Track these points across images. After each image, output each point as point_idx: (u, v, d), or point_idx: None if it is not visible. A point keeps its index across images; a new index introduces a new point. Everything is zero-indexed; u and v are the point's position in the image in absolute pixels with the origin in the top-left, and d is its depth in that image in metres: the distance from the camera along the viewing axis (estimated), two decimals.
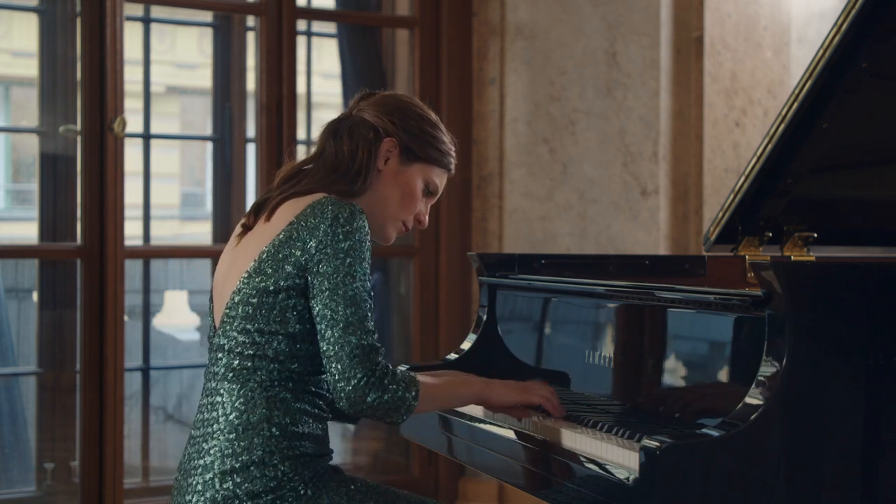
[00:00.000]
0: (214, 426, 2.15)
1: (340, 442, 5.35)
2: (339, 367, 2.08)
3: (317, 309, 2.11)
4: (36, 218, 4.44)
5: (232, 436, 2.12)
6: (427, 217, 2.38)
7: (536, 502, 2.36)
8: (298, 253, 2.12)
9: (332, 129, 2.32)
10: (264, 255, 2.15)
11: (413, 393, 2.12)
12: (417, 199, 2.34)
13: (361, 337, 2.09)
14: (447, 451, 2.61)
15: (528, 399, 2.29)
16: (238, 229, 2.30)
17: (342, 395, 2.08)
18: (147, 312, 5.11)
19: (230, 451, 2.12)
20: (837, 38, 2.36)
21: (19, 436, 4.48)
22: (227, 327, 2.18)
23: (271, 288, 2.13)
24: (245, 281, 2.16)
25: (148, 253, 5.09)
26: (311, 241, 2.12)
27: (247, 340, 2.15)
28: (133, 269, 4.86)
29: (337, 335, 2.09)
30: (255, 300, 2.14)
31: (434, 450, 2.76)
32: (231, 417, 2.14)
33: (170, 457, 5.10)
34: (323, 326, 2.10)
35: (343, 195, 2.23)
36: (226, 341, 2.18)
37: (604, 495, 1.95)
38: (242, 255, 2.22)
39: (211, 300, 2.32)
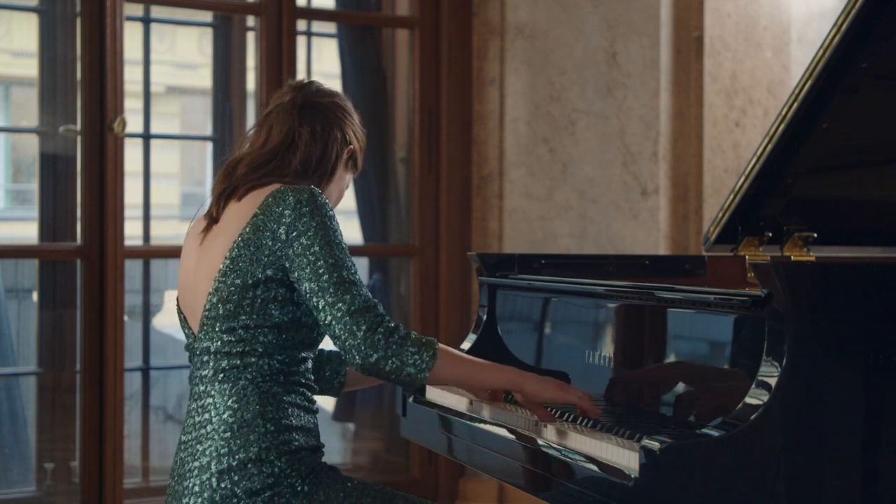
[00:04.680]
0: (208, 427, 2.15)
1: (340, 442, 5.35)
2: (341, 326, 2.08)
3: (304, 287, 2.11)
4: (36, 218, 4.43)
5: (227, 434, 2.12)
6: None
7: (536, 502, 2.36)
8: (270, 242, 2.13)
9: (308, 116, 2.33)
10: (234, 252, 2.15)
11: (430, 352, 2.11)
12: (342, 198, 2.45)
13: (355, 294, 2.09)
14: (447, 451, 2.61)
15: (566, 398, 2.21)
16: (201, 224, 2.29)
17: (353, 351, 2.08)
18: (147, 312, 5.10)
19: (226, 449, 2.12)
20: (837, 38, 2.35)
21: (19, 436, 4.47)
22: (210, 329, 2.18)
23: (250, 282, 2.13)
24: (221, 280, 2.16)
25: (148, 253, 5.09)
26: (279, 228, 2.13)
27: (233, 339, 2.15)
28: (133, 269, 4.85)
29: (330, 301, 2.09)
30: (235, 297, 2.14)
31: (434, 450, 2.76)
32: (225, 416, 2.13)
33: (170, 457, 5.09)
34: (315, 300, 2.10)
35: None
36: (210, 343, 2.18)
37: (604, 495, 1.95)
38: (208, 255, 2.22)
39: (180, 310, 2.30)
